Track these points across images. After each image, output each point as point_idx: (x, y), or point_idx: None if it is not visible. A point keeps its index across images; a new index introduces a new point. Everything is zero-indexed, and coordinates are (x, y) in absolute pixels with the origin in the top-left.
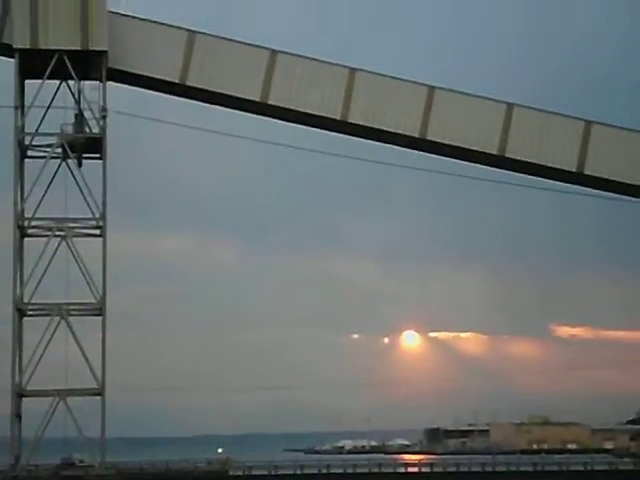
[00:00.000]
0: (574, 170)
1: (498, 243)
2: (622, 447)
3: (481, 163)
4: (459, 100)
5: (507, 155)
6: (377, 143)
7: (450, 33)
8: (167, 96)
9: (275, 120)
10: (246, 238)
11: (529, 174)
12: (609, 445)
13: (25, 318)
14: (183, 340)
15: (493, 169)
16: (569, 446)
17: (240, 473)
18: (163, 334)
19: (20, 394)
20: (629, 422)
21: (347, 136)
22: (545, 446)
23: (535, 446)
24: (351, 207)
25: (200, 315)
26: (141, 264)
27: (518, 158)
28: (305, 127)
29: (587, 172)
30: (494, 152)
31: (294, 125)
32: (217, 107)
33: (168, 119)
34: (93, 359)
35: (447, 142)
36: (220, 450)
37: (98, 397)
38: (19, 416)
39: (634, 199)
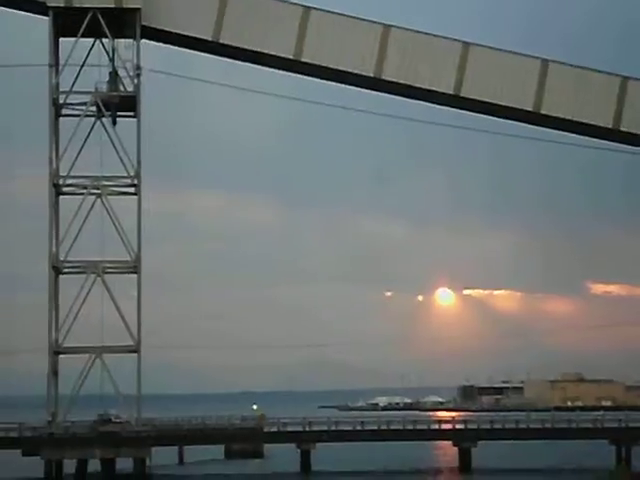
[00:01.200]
0: (610, 126)
1: (532, 200)
2: None
3: (516, 120)
4: (494, 56)
5: (542, 112)
6: (410, 100)
7: None
8: (201, 54)
9: (309, 78)
10: (280, 197)
11: (565, 131)
12: None
13: (61, 276)
14: (217, 298)
15: (527, 126)
16: (603, 403)
17: (275, 429)
18: (197, 292)
19: (57, 351)
20: None
21: (381, 93)
22: (579, 403)
23: (569, 403)
24: (385, 166)
25: (234, 273)
26: (175, 222)
27: (553, 115)
28: (339, 85)
29: (623, 128)
30: (529, 109)
31: (329, 83)
32: (251, 65)
33: (203, 77)
34: (129, 317)
35: (481, 99)
36: (255, 407)
37: (134, 354)
38: (56, 373)
39: None
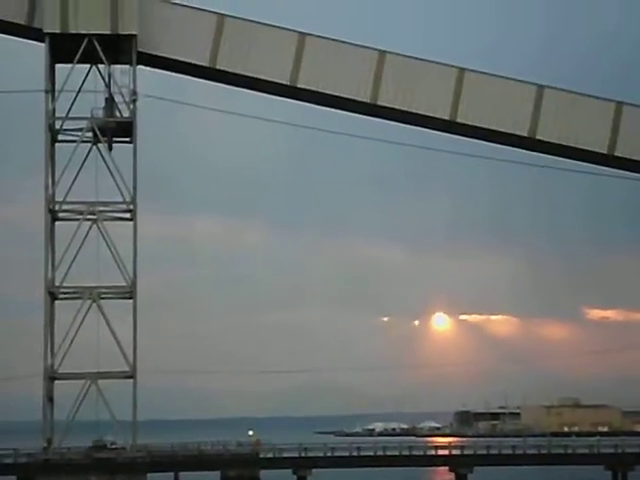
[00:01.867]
0: (605, 152)
1: (530, 225)
2: None
3: (512, 145)
4: (489, 82)
5: (538, 137)
6: (407, 126)
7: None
8: (197, 79)
9: (304, 103)
10: (277, 221)
11: (560, 156)
12: None
13: (57, 301)
14: (213, 323)
15: (523, 151)
16: (600, 429)
17: (271, 455)
18: (194, 317)
19: (52, 377)
20: None
21: (377, 119)
22: (576, 429)
23: (566, 429)
24: (381, 190)
25: (230, 297)
26: (172, 247)
27: (549, 140)
28: (334, 110)
29: (618, 154)
30: (525, 134)
31: (324, 108)
32: (247, 90)
33: (198, 102)
34: (124, 342)
35: (477, 124)
36: (251, 432)
37: (130, 380)
38: (51, 399)
39: None
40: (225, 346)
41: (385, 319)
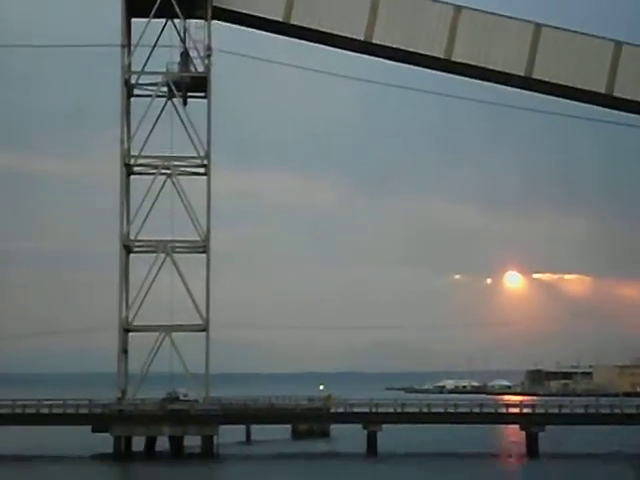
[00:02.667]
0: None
1: (604, 184)
2: None
3: (588, 102)
4: (565, 38)
5: (615, 94)
6: (481, 82)
7: None
8: (273, 35)
9: (380, 59)
10: (351, 179)
11: (636, 113)
12: None
13: (131, 255)
14: (286, 279)
15: (599, 108)
16: None
17: (341, 410)
18: (266, 272)
19: (127, 329)
20: None
21: (452, 75)
22: None
23: (639, 389)
24: (455, 149)
25: (301, 254)
26: (245, 202)
27: (626, 97)
28: (410, 66)
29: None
30: (602, 91)
31: (400, 65)
32: (322, 46)
33: (275, 58)
34: (197, 296)
35: (554, 81)
36: (321, 387)
37: (202, 333)
38: (126, 351)
39: None
40: (296, 302)
41: (457, 277)
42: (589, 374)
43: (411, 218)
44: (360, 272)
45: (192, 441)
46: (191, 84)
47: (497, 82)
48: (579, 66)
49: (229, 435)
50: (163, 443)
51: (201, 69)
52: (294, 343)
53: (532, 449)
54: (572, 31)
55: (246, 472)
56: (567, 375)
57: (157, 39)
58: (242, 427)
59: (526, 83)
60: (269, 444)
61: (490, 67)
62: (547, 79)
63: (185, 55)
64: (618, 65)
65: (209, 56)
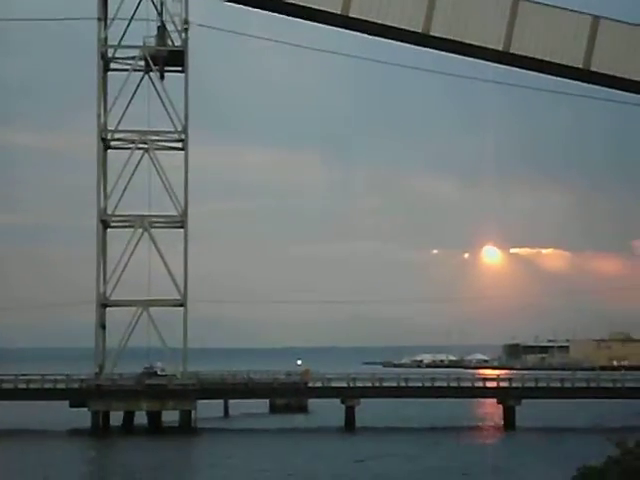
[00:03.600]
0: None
1: (580, 159)
2: None
3: (566, 77)
4: (543, 12)
5: (592, 69)
6: (461, 57)
7: None
8: (251, 9)
9: (358, 34)
10: (330, 154)
11: (616, 88)
12: None
13: (109, 229)
14: (262, 254)
15: (578, 83)
16: None
17: (319, 385)
18: (242, 247)
19: (104, 304)
20: None
21: (430, 50)
22: (625, 363)
23: (615, 363)
24: (432, 123)
25: (280, 229)
26: (224, 177)
27: (604, 72)
28: (388, 41)
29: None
30: (579, 66)
31: (379, 40)
32: (301, 21)
33: (253, 33)
34: (175, 271)
35: (531, 55)
36: (299, 362)
37: (180, 308)
38: (103, 326)
39: None
40: (274, 277)
41: (435, 251)
42: (566, 348)
43: (388, 192)
44: (338, 246)
45: (170, 416)
46: (168, 58)
47: (475, 57)
48: (556, 40)
49: (207, 410)
50: (141, 418)
51: (178, 43)
52: (272, 318)
53: (509, 422)
54: (551, 5)
55: (224, 446)
56: (544, 349)
57: (134, 12)
58: (220, 402)
59: (504, 57)
60: (247, 418)
61: (468, 42)
62: (525, 54)
63: (162, 29)
64: (595, 39)
65: (186, 30)
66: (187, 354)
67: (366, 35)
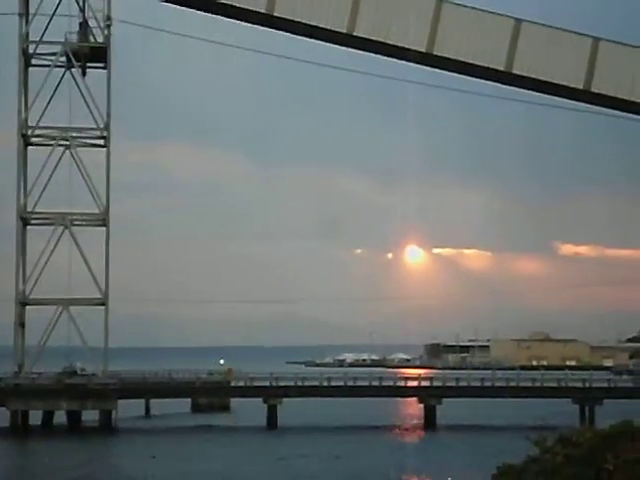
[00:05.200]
0: (581, 87)
1: (503, 160)
2: (621, 364)
3: (489, 80)
4: (467, 15)
5: (514, 71)
6: (385, 58)
7: None
8: (173, 6)
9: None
10: (253, 153)
11: (535, 90)
12: (608, 362)
13: (28, 227)
14: (185, 252)
15: (500, 85)
16: (568, 363)
17: (242, 384)
18: (166, 246)
19: (24, 302)
20: (629, 340)
21: (355, 50)
22: (545, 363)
23: (534, 362)
24: (355, 122)
25: (205, 227)
26: (147, 175)
27: (525, 74)
28: (313, 40)
29: (594, 90)
30: (501, 68)
31: (304, 39)
32: (226, 19)
33: (177, 30)
34: (97, 269)
35: (454, 57)
36: (222, 361)
37: (101, 307)
38: (22, 324)
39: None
40: (198, 276)
41: (358, 251)
42: (486, 348)
43: (312, 192)
44: (262, 245)
45: (90, 415)
46: (90, 54)
47: (399, 58)
48: (479, 42)
49: (128, 409)
50: (61, 417)
51: (101, 39)
52: (195, 317)
53: (430, 421)
54: (473, 7)
55: (144, 446)
56: (465, 348)
57: (56, 8)
58: (141, 401)
59: (427, 59)
60: (168, 418)
61: (391, 43)
62: (448, 55)
63: (84, 25)
64: (518, 42)
65: (109, 26)
66: (108, 353)
67: (292, 35)
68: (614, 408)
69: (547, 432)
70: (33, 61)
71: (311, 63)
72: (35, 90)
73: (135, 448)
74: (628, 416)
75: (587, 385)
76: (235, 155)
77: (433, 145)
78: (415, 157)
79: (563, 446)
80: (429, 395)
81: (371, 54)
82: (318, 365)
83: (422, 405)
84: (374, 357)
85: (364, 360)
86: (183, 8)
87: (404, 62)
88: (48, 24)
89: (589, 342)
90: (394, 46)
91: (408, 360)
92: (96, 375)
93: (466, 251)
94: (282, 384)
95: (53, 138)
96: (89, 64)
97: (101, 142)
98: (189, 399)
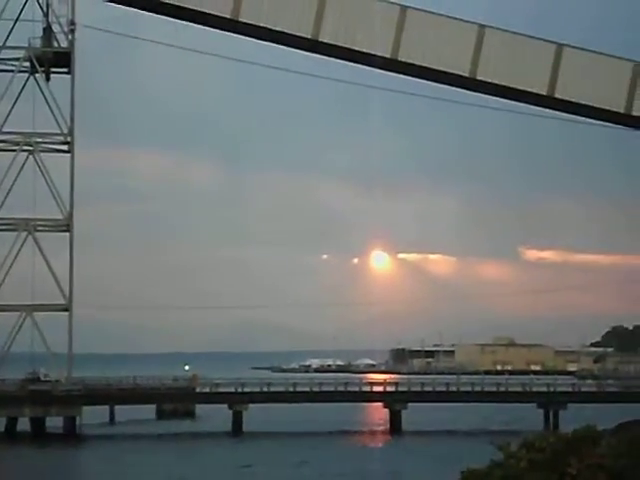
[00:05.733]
0: (544, 93)
1: (468, 166)
2: (586, 369)
3: (454, 85)
4: (432, 20)
5: (478, 77)
6: (351, 64)
7: None
8: (141, 12)
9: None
10: (221, 159)
11: (501, 97)
12: (573, 367)
13: None
14: (152, 259)
15: (466, 91)
16: (533, 367)
17: (207, 390)
18: (131, 253)
19: None
20: (593, 345)
21: (320, 56)
22: (509, 367)
23: (499, 367)
24: (324, 128)
25: (171, 234)
26: (112, 181)
27: (489, 80)
28: (280, 47)
29: (557, 96)
30: (465, 74)
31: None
32: (193, 25)
33: (144, 36)
34: (61, 276)
35: (418, 63)
36: (187, 367)
37: (65, 313)
38: None
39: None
40: (163, 282)
41: (324, 257)
42: (451, 352)
43: (278, 198)
44: (227, 251)
45: (55, 422)
46: (54, 60)
47: (365, 64)
48: (443, 48)
49: (92, 416)
50: (24, 424)
51: (64, 44)
52: (160, 323)
53: (395, 426)
54: (437, 14)
55: (108, 452)
56: (430, 353)
57: (19, 13)
58: (106, 407)
59: (392, 65)
60: (133, 424)
61: (357, 49)
62: (412, 61)
63: (48, 30)
64: (482, 47)
65: (72, 31)
66: (72, 359)
67: (258, 40)
68: (578, 413)
69: (511, 437)
70: None
71: (279, 69)
72: None
73: (99, 455)
74: (592, 420)
75: (551, 390)
76: (203, 161)
77: (401, 151)
78: (383, 163)
79: (527, 451)
80: (394, 400)
81: (338, 60)
82: (284, 371)
83: (387, 410)
84: (340, 362)
85: (329, 365)
86: (155, 15)
87: (372, 68)
88: (11, 29)
89: (553, 347)
90: (359, 52)
91: (373, 365)
92: (60, 381)
93: (431, 256)
94: (247, 390)
95: (17, 143)
96: (53, 69)
97: (65, 147)
98: (154, 405)
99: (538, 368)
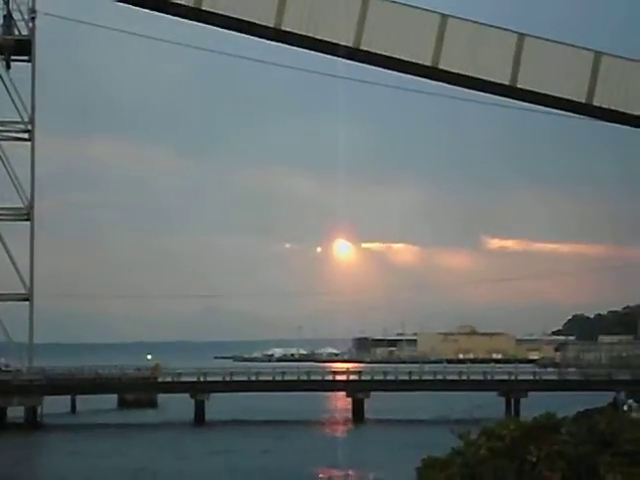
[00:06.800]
0: (507, 83)
1: (431, 155)
2: (547, 357)
3: (417, 75)
4: (394, 9)
5: (440, 67)
6: (315, 53)
7: None
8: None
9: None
10: (182, 147)
11: (464, 87)
12: (534, 355)
13: None
14: (112, 247)
15: (431, 81)
16: (494, 356)
17: (169, 379)
18: (92, 241)
19: None
20: (554, 333)
21: (284, 45)
22: (471, 356)
23: (461, 356)
24: (285, 116)
25: (132, 222)
26: (71, 170)
27: (451, 70)
28: (243, 35)
29: (520, 86)
30: (428, 64)
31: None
32: (156, 13)
33: (106, 24)
34: (21, 265)
35: (381, 52)
36: (149, 357)
37: (26, 302)
38: None
39: (575, 115)
40: (125, 271)
41: (288, 246)
42: (414, 341)
43: (242, 187)
44: (190, 240)
45: (16, 412)
46: (15, 48)
47: (328, 53)
48: (406, 38)
49: (54, 406)
50: None
51: (25, 32)
52: (123, 312)
53: (358, 415)
54: (400, 3)
55: (69, 442)
56: (392, 342)
57: None
58: (67, 397)
59: (355, 54)
60: (95, 414)
61: (319, 37)
62: (374, 50)
63: (8, 18)
64: (443, 37)
65: (33, 19)
66: (33, 349)
67: (221, 29)
68: (539, 401)
69: (473, 425)
70: None
71: (245, 58)
72: None
73: (59, 445)
74: (552, 408)
75: (513, 378)
76: (167, 150)
77: (365, 141)
78: (347, 153)
79: (487, 439)
80: (357, 389)
81: (301, 49)
82: (246, 360)
83: (350, 399)
84: (303, 351)
85: (292, 355)
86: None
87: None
88: None
89: (515, 335)
90: (322, 41)
91: (336, 354)
92: (21, 371)
93: (394, 245)
94: (210, 379)
95: None
96: (13, 57)
97: (26, 136)
98: (116, 395)
99: (500, 356)
